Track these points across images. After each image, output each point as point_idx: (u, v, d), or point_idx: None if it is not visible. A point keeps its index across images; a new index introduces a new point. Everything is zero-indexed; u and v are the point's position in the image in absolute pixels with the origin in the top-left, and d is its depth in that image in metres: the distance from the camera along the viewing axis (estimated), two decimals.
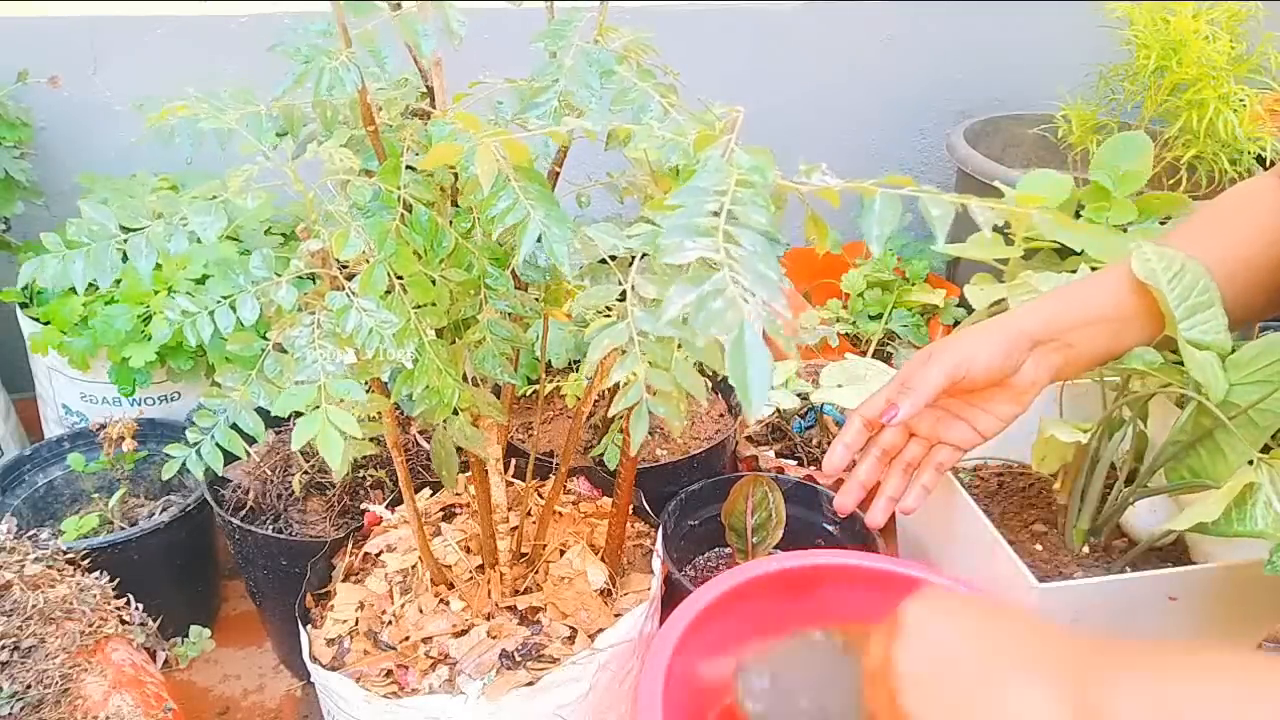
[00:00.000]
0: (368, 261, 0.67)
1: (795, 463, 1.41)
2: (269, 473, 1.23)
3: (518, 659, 0.91)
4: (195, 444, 0.74)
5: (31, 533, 0.98)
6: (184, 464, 0.74)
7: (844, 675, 0.64)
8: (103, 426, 1.26)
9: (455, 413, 0.80)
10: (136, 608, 0.97)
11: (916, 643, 0.56)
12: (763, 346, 0.38)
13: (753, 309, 0.39)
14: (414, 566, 1.02)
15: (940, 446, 0.84)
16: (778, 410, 1.49)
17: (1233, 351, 0.89)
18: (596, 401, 1.32)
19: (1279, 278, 0.86)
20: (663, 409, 0.52)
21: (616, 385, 0.54)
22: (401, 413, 1.29)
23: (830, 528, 1.28)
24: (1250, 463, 0.89)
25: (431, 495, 1.15)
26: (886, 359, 1.55)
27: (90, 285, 0.68)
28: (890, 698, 0.56)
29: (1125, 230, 1.37)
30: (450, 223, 0.73)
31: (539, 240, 0.59)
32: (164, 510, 1.29)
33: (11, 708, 0.80)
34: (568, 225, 0.61)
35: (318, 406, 0.64)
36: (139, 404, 1.40)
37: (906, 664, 0.56)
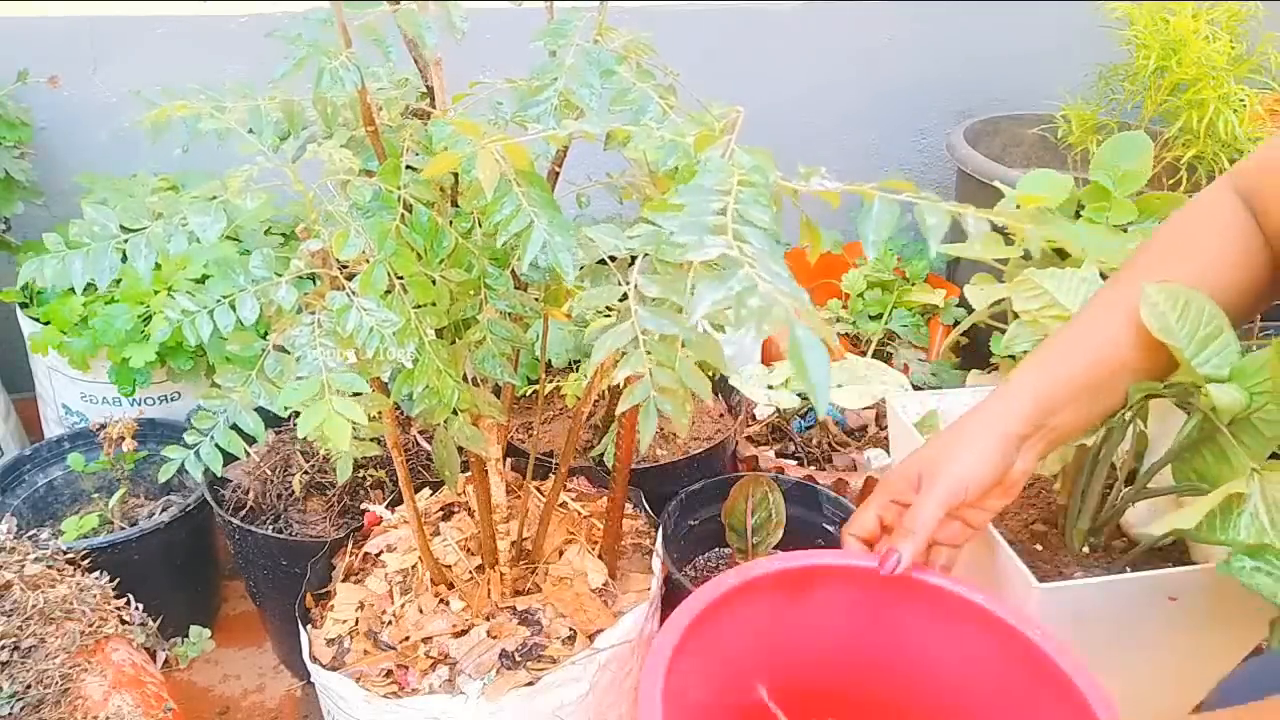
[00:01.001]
0: (368, 261, 0.67)
1: (795, 463, 1.41)
2: (269, 473, 1.23)
3: (518, 659, 0.91)
4: (194, 445, 0.74)
5: (31, 533, 0.98)
6: (182, 465, 0.74)
7: None
8: (103, 426, 1.26)
9: (455, 413, 0.80)
10: (136, 608, 0.97)
11: None
12: (815, 337, 0.38)
13: (785, 303, 0.39)
14: (414, 566, 1.02)
15: (937, 548, 0.83)
16: (778, 410, 1.49)
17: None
18: (596, 401, 1.32)
19: (1248, 299, 0.84)
20: (668, 406, 0.52)
21: (617, 385, 0.54)
22: (401, 413, 1.29)
23: (830, 528, 1.28)
24: (1247, 473, 0.89)
25: (431, 495, 1.15)
26: (886, 359, 1.55)
27: (90, 285, 0.68)
28: None
29: (1125, 230, 1.37)
30: (450, 223, 0.73)
31: (543, 247, 0.60)
32: (164, 510, 1.29)
33: (11, 708, 0.80)
34: (571, 233, 0.61)
35: (321, 398, 0.64)
36: (139, 404, 1.40)
37: None
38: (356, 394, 0.65)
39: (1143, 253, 0.86)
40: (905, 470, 0.79)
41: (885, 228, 0.48)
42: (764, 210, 0.44)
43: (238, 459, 0.79)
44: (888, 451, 1.35)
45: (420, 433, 1.31)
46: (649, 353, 0.50)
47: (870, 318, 1.69)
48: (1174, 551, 1.13)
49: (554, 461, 1.22)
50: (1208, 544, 0.88)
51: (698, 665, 0.76)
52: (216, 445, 0.74)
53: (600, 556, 1.03)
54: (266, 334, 0.72)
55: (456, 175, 0.73)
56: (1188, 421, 0.95)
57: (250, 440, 0.76)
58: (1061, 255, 1.33)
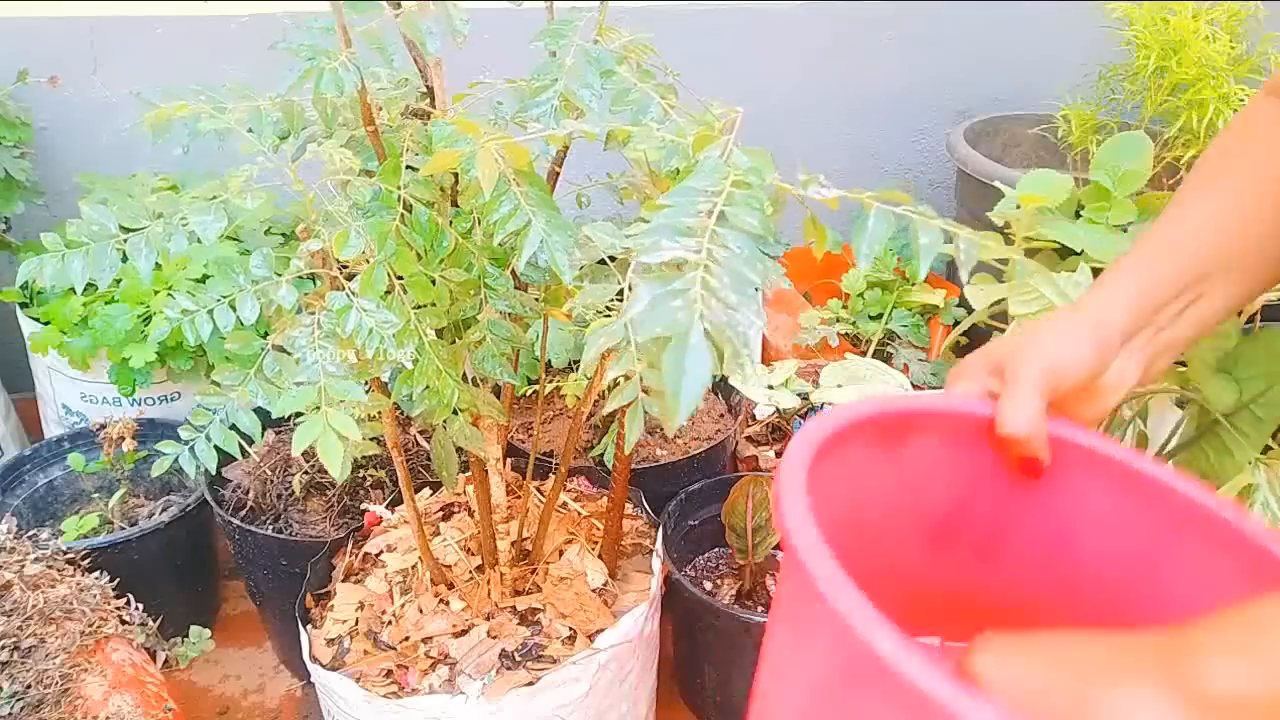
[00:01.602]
0: (368, 262, 0.67)
1: None
2: (269, 473, 1.22)
3: (518, 659, 0.91)
4: (189, 442, 0.74)
5: (31, 533, 0.98)
6: (176, 461, 0.74)
7: None
8: (103, 426, 1.26)
9: (455, 413, 0.80)
10: (136, 608, 0.97)
11: (995, 663, 0.52)
12: (706, 356, 0.37)
13: (712, 313, 0.38)
14: (414, 566, 1.02)
15: None
16: (778, 410, 1.49)
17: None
18: (596, 401, 1.32)
19: None
20: (658, 408, 0.52)
21: (615, 384, 0.54)
22: (401, 413, 1.29)
23: None
24: (1250, 463, 0.89)
25: (431, 495, 1.15)
26: (886, 359, 1.55)
27: (90, 285, 0.68)
28: None
29: (1125, 230, 1.37)
30: (450, 223, 0.73)
31: (540, 245, 0.60)
32: (164, 510, 1.29)
33: (11, 708, 0.80)
34: (569, 232, 0.61)
35: (318, 408, 0.64)
36: (139, 404, 1.40)
37: (991, 682, 0.51)
38: (354, 401, 0.65)
39: (1194, 178, 0.77)
40: (985, 356, 0.67)
41: (879, 241, 0.47)
42: (753, 213, 0.44)
43: (234, 458, 0.79)
44: None
45: (420, 433, 1.31)
46: (640, 353, 0.50)
47: (870, 318, 1.69)
48: None
49: (554, 461, 1.22)
50: None
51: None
52: (213, 444, 0.74)
53: (600, 556, 1.03)
54: (267, 334, 0.72)
55: (456, 175, 0.73)
56: (1186, 414, 0.94)
57: (248, 440, 0.76)
58: (1061, 255, 1.33)
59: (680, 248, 0.40)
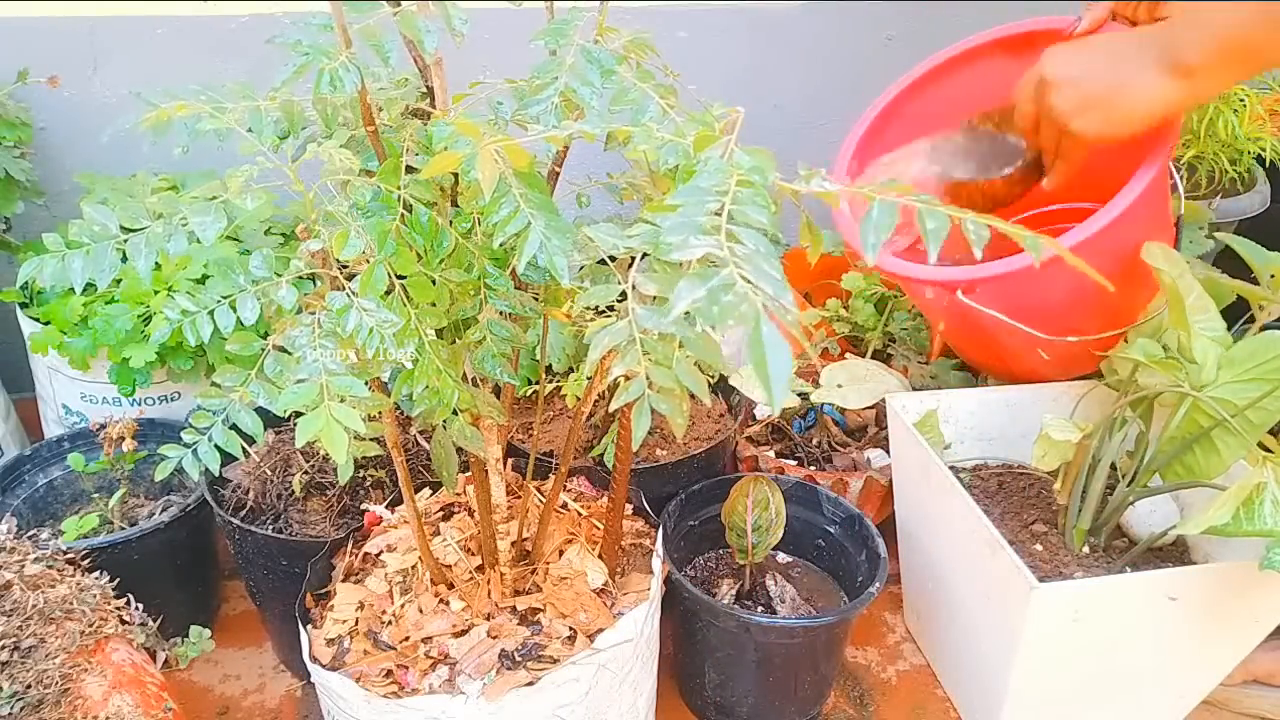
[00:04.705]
0: (368, 261, 0.67)
1: (795, 463, 1.41)
2: (269, 473, 1.22)
3: (518, 659, 0.91)
4: (192, 444, 0.74)
5: (31, 533, 0.98)
6: (179, 464, 0.74)
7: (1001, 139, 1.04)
8: (103, 426, 1.26)
9: (455, 413, 0.80)
10: (136, 608, 0.97)
11: (1059, 56, 0.88)
12: (780, 337, 0.39)
13: (763, 302, 0.39)
14: (414, 566, 1.02)
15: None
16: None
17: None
18: (596, 401, 1.32)
19: None
20: (664, 406, 0.52)
21: (617, 383, 0.54)
22: (401, 413, 1.29)
23: (830, 528, 1.28)
24: (1252, 461, 0.89)
25: (431, 495, 1.15)
26: (886, 360, 1.55)
27: (90, 285, 0.68)
28: (1040, 101, 0.90)
29: None
30: (450, 223, 0.73)
31: (540, 248, 0.60)
32: (164, 510, 1.29)
33: (11, 708, 0.80)
34: (568, 234, 0.61)
35: (320, 404, 0.64)
36: (139, 404, 1.40)
37: (1052, 70, 0.88)
38: (355, 398, 0.65)
39: None
40: None
41: (884, 231, 0.48)
42: (761, 211, 0.44)
43: (236, 459, 0.79)
44: (887, 452, 1.35)
45: (420, 433, 1.31)
46: (646, 352, 0.50)
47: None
48: (1174, 551, 1.13)
49: (554, 461, 1.22)
50: (1234, 537, 0.88)
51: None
52: (215, 445, 0.74)
53: (600, 556, 1.03)
54: (267, 334, 0.72)
55: (457, 175, 0.73)
56: (1179, 410, 0.95)
57: (249, 440, 0.76)
58: None
59: (706, 245, 0.42)
